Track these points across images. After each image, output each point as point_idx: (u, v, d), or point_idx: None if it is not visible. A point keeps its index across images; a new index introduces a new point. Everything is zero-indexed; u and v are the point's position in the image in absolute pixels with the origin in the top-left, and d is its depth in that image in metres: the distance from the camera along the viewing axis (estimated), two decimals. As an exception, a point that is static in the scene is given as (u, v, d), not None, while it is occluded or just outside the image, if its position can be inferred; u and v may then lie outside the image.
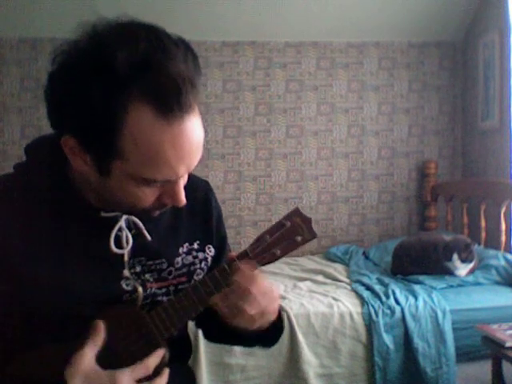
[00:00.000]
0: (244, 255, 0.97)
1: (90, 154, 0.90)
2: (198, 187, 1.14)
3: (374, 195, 3.88)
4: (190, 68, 0.87)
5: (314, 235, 0.99)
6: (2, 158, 3.61)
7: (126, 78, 0.83)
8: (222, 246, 1.16)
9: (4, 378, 0.89)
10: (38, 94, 3.66)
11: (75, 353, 0.87)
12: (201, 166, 3.71)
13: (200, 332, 1.86)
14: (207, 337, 1.26)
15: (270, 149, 3.82)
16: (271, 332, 1.05)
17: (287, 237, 0.97)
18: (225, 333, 1.08)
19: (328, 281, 2.95)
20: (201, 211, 1.12)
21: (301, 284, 2.88)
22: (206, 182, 1.17)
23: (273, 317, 1.01)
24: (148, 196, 0.92)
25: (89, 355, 0.88)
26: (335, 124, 3.85)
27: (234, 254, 0.98)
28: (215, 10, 3.52)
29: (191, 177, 1.06)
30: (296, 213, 0.99)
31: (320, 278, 3.01)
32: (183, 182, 0.94)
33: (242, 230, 3.75)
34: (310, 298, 2.63)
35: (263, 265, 0.98)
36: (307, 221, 0.99)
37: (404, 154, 3.89)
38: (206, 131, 3.46)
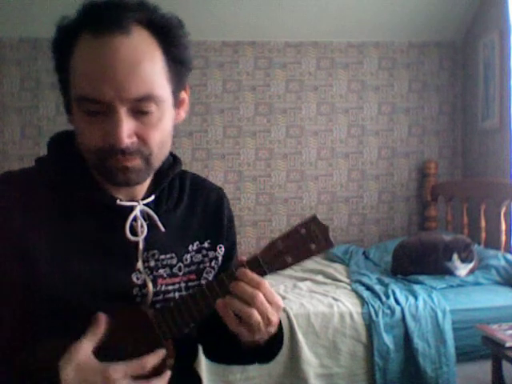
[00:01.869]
0: (254, 260, 0.95)
1: (64, 96, 0.98)
2: (212, 190, 1.17)
3: (374, 195, 3.88)
4: (140, 4, 0.93)
5: (330, 245, 0.95)
6: (2, 158, 3.61)
7: (79, 16, 0.93)
8: (231, 250, 1.16)
9: (11, 371, 0.89)
10: (38, 94, 3.66)
11: (73, 343, 0.88)
12: (201, 166, 3.72)
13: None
14: (207, 355, 1.24)
15: (270, 149, 3.82)
16: (270, 346, 1.04)
17: (301, 244, 0.94)
18: (225, 349, 1.10)
19: (328, 281, 2.95)
20: (213, 212, 1.14)
21: (301, 284, 2.88)
22: (221, 189, 1.21)
23: (274, 329, 0.99)
24: (92, 132, 0.93)
25: (85, 346, 0.88)
26: (335, 124, 3.85)
27: (243, 258, 0.97)
28: (215, 10, 3.52)
29: (206, 182, 1.18)
30: (313, 220, 0.95)
31: (320, 277, 3.01)
32: (127, 121, 0.91)
33: (241, 230, 3.74)
34: (310, 298, 2.63)
35: (273, 272, 0.95)
36: (324, 229, 0.94)
37: (404, 154, 3.89)
38: (205, 131, 3.46)
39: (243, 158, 3.81)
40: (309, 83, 3.84)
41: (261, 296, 0.93)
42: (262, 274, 0.94)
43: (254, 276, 0.94)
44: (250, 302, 0.92)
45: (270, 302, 0.94)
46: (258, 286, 0.93)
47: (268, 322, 0.95)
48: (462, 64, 3.89)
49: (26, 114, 3.67)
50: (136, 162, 0.94)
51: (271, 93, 3.82)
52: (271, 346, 1.04)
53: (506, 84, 3.32)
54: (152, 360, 0.92)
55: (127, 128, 0.91)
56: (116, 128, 0.90)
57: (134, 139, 0.93)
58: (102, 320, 0.91)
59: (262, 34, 3.75)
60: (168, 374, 0.94)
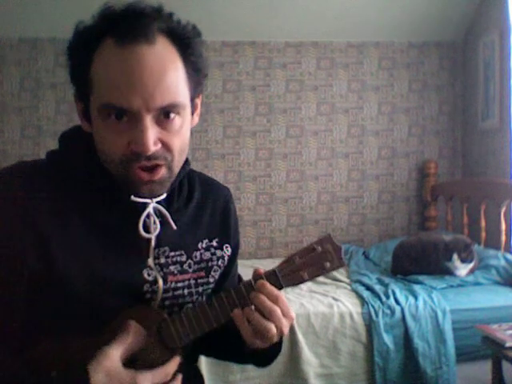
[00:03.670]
0: (272, 274, 0.97)
1: (81, 103, 0.98)
2: (221, 190, 1.17)
3: (374, 195, 3.88)
4: (159, 12, 0.95)
5: (342, 264, 0.99)
6: (2, 158, 3.61)
7: (100, 22, 0.94)
8: (235, 253, 1.17)
9: (23, 365, 0.89)
10: (38, 94, 3.66)
11: (102, 348, 0.89)
12: (201, 166, 3.72)
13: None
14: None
15: (270, 149, 3.82)
16: (271, 351, 1.06)
17: (316, 261, 0.98)
18: (221, 347, 1.12)
19: (328, 281, 2.95)
20: (222, 212, 1.15)
21: (301, 284, 2.87)
22: (228, 189, 1.21)
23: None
24: (116, 139, 0.93)
25: (115, 354, 0.89)
26: (335, 124, 3.85)
27: (261, 270, 0.99)
28: (215, 10, 3.52)
29: (214, 181, 1.18)
30: (328, 239, 0.99)
31: (320, 277, 3.00)
32: (152, 129, 0.93)
33: (241, 230, 3.71)
34: (310, 298, 2.63)
35: (289, 286, 0.99)
36: (338, 249, 0.99)
37: (404, 153, 3.89)
38: (205, 131, 3.45)
39: (243, 157, 3.81)
40: (309, 83, 3.84)
41: (278, 311, 0.96)
42: (279, 287, 0.97)
43: (273, 289, 0.97)
44: (269, 316, 0.95)
45: (284, 316, 0.97)
46: (275, 300, 0.96)
47: (281, 333, 0.98)
48: (462, 64, 3.89)
49: (25, 114, 3.67)
50: (161, 174, 0.96)
51: (271, 93, 3.82)
52: (271, 350, 1.06)
53: (506, 84, 3.32)
54: (173, 368, 0.94)
55: (153, 135, 0.92)
56: (142, 135, 0.91)
57: (159, 146, 0.94)
58: (133, 328, 0.92)
59: (262, 34, 3.75)
60: (180, 377, 0.96)
